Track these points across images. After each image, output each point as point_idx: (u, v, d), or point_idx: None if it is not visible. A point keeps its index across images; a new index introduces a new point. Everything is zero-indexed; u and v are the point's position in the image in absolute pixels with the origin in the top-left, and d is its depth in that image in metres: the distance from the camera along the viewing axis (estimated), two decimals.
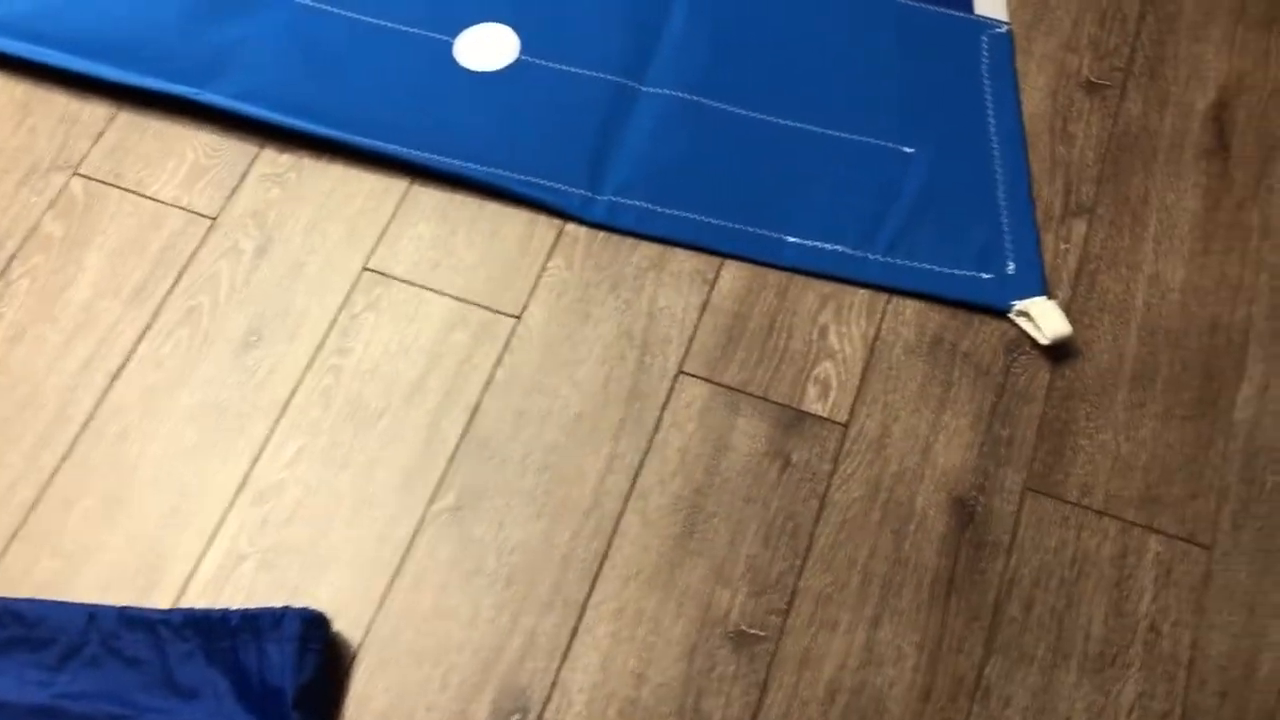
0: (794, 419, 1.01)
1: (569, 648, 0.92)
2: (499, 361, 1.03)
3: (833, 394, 1.02)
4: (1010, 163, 1.12)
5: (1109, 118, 1.16)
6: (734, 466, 0.99)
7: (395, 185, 1.12)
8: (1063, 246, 1.09)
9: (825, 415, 1.01)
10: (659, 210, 1.10)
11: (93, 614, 0.87)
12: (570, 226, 1.10)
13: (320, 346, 1.04)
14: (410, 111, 1.15)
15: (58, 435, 1.00)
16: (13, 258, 1.08)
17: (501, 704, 0.90)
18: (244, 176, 1.13)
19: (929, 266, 1.07)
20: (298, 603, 0.93)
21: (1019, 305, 1.04)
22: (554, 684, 0.90)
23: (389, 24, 1.20)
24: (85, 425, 1.00)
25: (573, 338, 1.05)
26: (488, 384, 1.02)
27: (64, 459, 0.99)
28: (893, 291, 1.07)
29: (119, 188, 1.12)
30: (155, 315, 1.05)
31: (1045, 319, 1.02)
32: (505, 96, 1.16)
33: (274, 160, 1.14)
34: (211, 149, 1.14)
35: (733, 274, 1.08)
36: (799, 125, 1.14)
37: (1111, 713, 0.90)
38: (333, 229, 1.10)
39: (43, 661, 0.85)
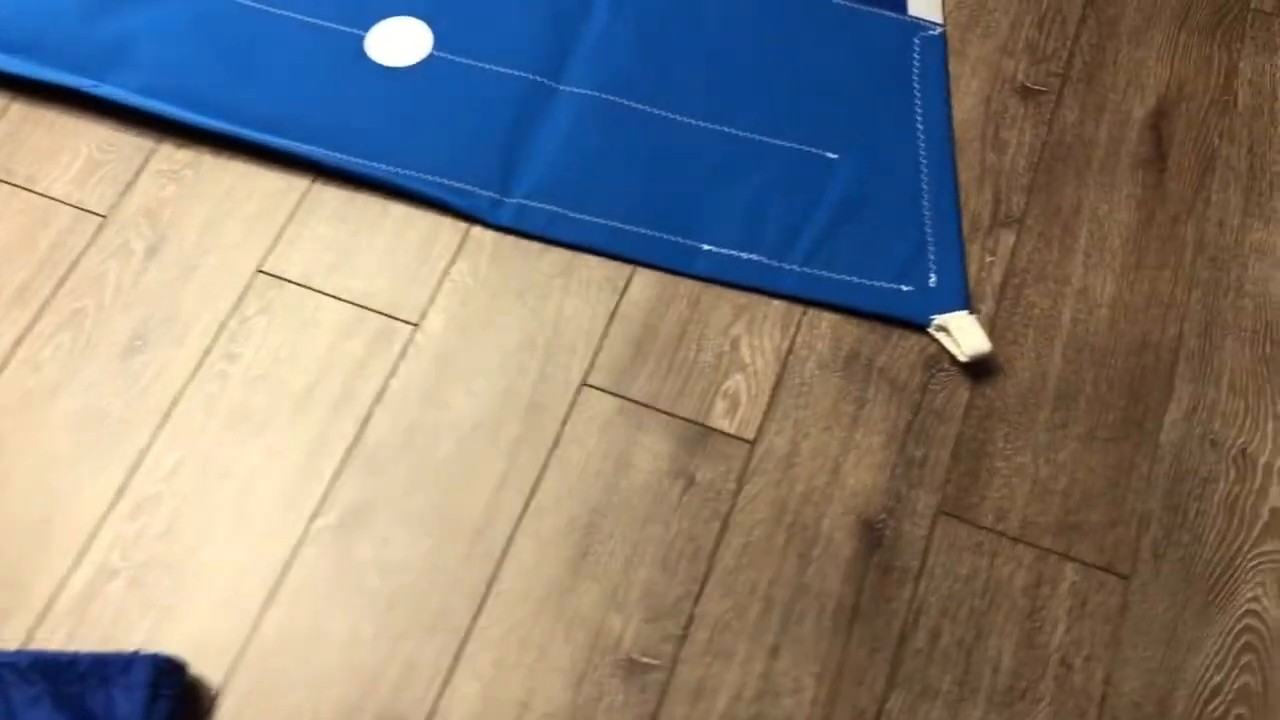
0: (700, 435, 0.96)
1: (450, 675, 0.87)
2: (393, 371, 0.99)
3: (741, 409, 0.98)
4: (937, 171, 1.07)
5: (1043, 125, 1.11)
6: (635, 485, 0.94)
7: (296, 184, 1.08)
8: (988, 259, 1.05)
9: (732, 432, 0.97)
10: (570, 215, 1.05)
11: None
12: (477, 230, 1.06)
13: (208, 352, 0.99)
14: (316, 108, 1.10)
15: None
16: None
17: None
18: (139, 173, 1.08)
19: (847, 278, 1.02)
20: (166, 625, 0.88)
21: (939, 319, 0.99)
22: (432, 713, 0.86)
23: (298, 16, 1.15)
24: None
25: (473, 347, 1.00)
26: (380, 395, 0.98)
27: None
28: (809, 303, 1.02)
29: (8, 183, 1.07)
30: (37, 317, 1.01)
31: (964, 334, 0.98)
32: (415, 93, 1.11)
33: (171, 156, 1.09)
34: (107, 144, 1.10)
35: (644, 282, 1.03)
36: (720, 128, 1.10)
37: None
38: (229, 229, 1.05)
39: None
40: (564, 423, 0.97)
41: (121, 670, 0.80)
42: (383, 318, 1.01)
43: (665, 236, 1.05)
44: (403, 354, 0.99)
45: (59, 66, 1.11)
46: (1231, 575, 0.91)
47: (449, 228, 1.06)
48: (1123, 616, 0.90)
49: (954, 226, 1.04)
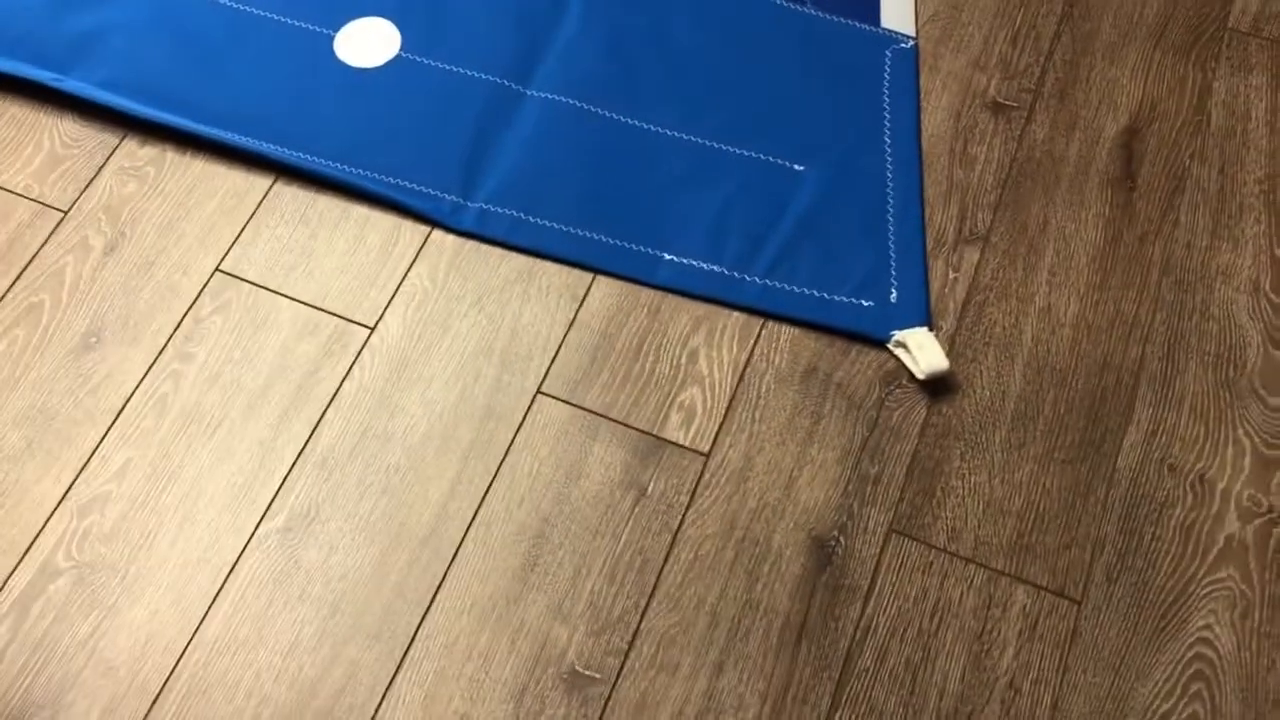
0: (653, 447, 0.96)
1: (391, 683, 0.87)
2: (347, 374, 0.98)
3: (697, 421, 0.97)
4: (904, 185, 1.06)
5: (1013, 141, 1.11)
6: (586, 495, 0.94)
7: (258, 183, 1.07)
8: (952, 275, 1.04)
9: (686, 444, 0.96)
10: (532, 221, 1.05)
11: None
12: (437, 234, 1.05)
13: (161, 351, 0.99)
14: (282, 107, 1.09)
15: None
16: None
17: None
18: (101, 169, 1.07)
19: (808, 291, 1.01)
20: (108, 625, 0.87)
21: (898, 335, 0.99)
22: None
23: (268, 14, 1.15)
24: None
25: (428, 352, 0.99)
26: (333, 398, 0.97)
27: None
28: (769, 316, 1.01)
29: None
30: None
31: (922, 352, 0.97)
32: (381, 95, 1.10)
33: (134, 153, 1.08)
34: (71, 138, 1.09)
35: (604, 291, 1.03)
36: (686, 137, 1.09)
37: None
38: (189, 227, 1.05)
39: None
40: (517, 430, 0.96)
41: None
42: (339, 320, 1.00)
43: (627, 245, 1.04)
44: (357, 358, 0.99)
45: (23, 59, 1.10)
46: (1184, 602, 0.90)
47: (410, 231, 1.05)
48: (1073, 641, 0.89)
49: (918, 242, 1.04)
